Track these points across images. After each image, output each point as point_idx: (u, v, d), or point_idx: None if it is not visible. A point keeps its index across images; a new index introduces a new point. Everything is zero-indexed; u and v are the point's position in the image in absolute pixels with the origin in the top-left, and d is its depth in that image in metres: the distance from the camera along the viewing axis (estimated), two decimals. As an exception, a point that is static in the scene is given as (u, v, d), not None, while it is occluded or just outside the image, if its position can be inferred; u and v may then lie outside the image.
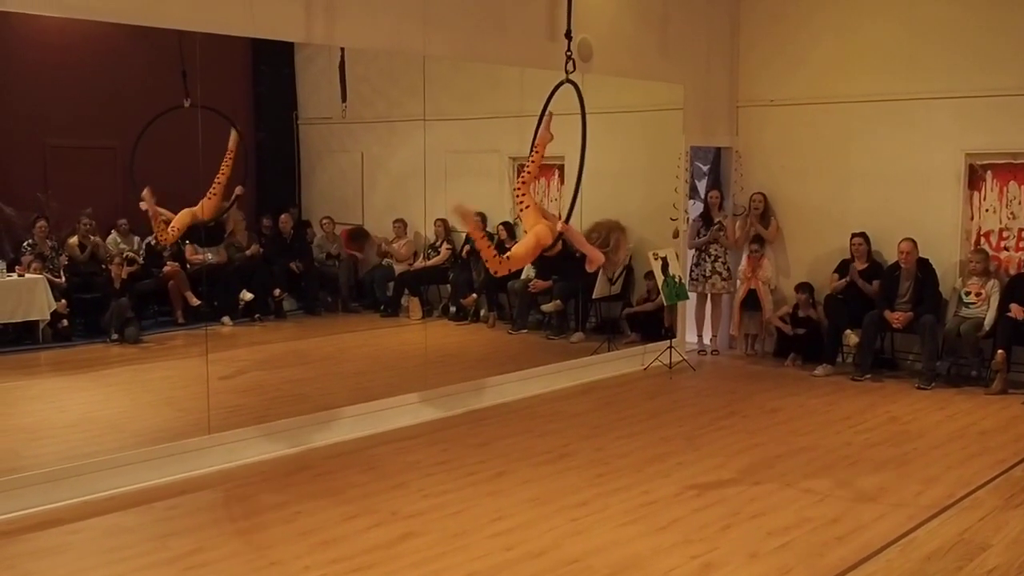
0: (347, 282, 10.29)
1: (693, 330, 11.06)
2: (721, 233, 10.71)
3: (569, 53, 6.18)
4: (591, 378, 9.48)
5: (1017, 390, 8.90)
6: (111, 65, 8.04)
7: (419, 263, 10.44)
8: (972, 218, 9.61)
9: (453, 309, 10.54)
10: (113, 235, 8.59)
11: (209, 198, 7.67)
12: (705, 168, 11.54)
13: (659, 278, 9.81)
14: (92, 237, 8.39)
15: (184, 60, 7.17)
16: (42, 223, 8.01)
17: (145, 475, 6.24)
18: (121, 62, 8.00)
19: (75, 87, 8.11)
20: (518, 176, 6.37)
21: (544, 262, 6.10)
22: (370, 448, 7.16)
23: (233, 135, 7.67)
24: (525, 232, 6.23)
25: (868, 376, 9.45)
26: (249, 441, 6.83)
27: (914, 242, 9.40)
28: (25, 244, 7.98)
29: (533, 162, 6.37)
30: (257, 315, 9.35)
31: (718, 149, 11.15)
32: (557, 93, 6.25)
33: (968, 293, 9.28)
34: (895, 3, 9.90)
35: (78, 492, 5.93)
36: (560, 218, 6.24)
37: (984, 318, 9.12)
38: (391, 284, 10.39)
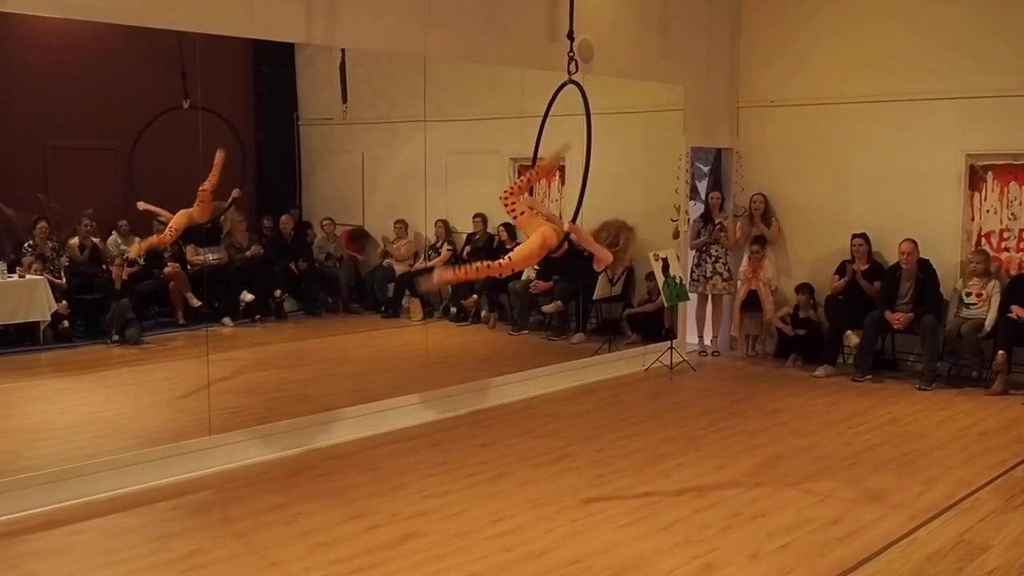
0: (348, 283, 10.29)
1: (694, 331, 11.07)
2: (722, 234, 10.71)
3: (571, 54, 6.16)
4: (592, 379, 9.48)
5: (1018, 391, 8.90)
6: (112, 66, 8.03)
7: (420, 264, 10.44)
8: (973, 219, 9.62)
9: (454, 310, 10.54)
10: (114, 236, 8.58)
11: (198, 204, 7.68)
12: (706, 169, 11.54)
13: (660, 279, 9.81)
14: (93, 238, 8.39)
15: (184, 61, 7.17)
16: (43, 224, 8.01)
17: (146, 476, 6.25)
18: (122, 63, 7.99)
19: (76, 88, 8.11)
20: (512, 187, 6.21)
21: (547, 262, 6.01)
22: (371, 449, 7.16)
23: (219, 154, 7.63)
24: (527, 237, 6.11)
25: (869, 377, 9.45)
26: (250, 442, 6.83)
27: (915, 243, 9.40)
28: (26, 245, 7.98)
29: (527, 180, 6.22)
30: (258, 316, 9.34)
31: (719, 150, 11.15)
32: (560, 94, 6.23)
33: (969, 294, 9.28)
34: (896, 4, 9.90)
35: (79, 493, 5.93)
36: (561, 218, 6.21)
37: (985, 319, 9.12)
38: (391, 285, 10.39)
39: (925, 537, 5.45)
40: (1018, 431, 7.73)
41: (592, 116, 6.03)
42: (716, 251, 10.75)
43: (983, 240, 9.54)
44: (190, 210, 7.70)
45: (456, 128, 10.15)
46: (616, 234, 6.19)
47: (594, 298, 10.51)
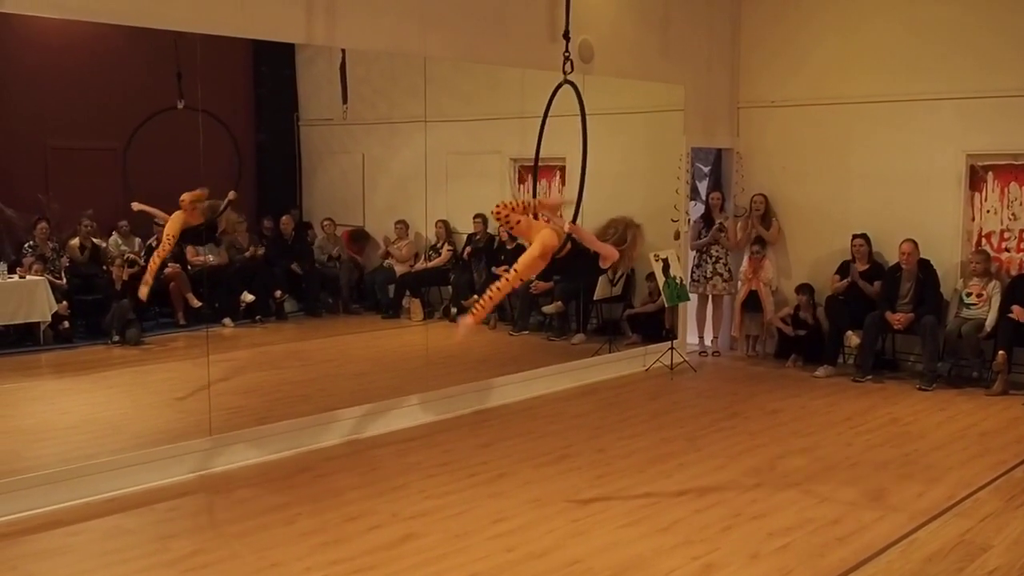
0: (348, 284, 10.29)
1: (694, 331, 11.07)
2: (722, 234, 10.71)
3: (567, 54, 6.16)
4: (592, 379, 9.48)
5: (1018, 391, 8.90)
6: (112, 66, 8.03)
7: (420, 264, 10.43)
8: (973, 219, 9.62)
9: (454, 311, 10.53)
10: (114, 236, 8.58)
11: (186, 212, 7.67)
12: (706, 169, 11.55)
13: (660, 279, 9.81)
14: (94, 239, 8.39)
15: (179, 61, 7.17)
16: (43, 225, 8.00)
17: (146, 477, 6.25)
18: (122, 63, 7.99)
19: (76, 88, 8.10)
20: (507, 203, 5.97)
21: (549, 262, 5.91)
22: (371, 449, 7.17)
23: (202, 192, 7.64)
24: (528, 244, 5.99)
25: (869, 377, 9.45)
26: (250, 443, 6.83)
27: (915, 243, 9.39)
28: (26, 246, 7.97)
29: (526, 206, 6.00)
30: (258, 317, 9.34)
31: (719, 150, 11.15)
32: (557, 95, 6.21)
33: (969, 294, 9.28)
34: (896, 4, 9.90)
35: (79, 494, 5.93)
36: (562, 217, 6.17)
37: (985, 319, 9.12)
38: (392, 286, 10.38)
39: (925, 537, 5.45)
40: (1018, 431, 7.73)
41: (593, 116, 6.03)
42: (716, 251, 10.76)
43: (983, 240, 9.54)
44: (182, 215, 7.69)
45: (456, 128, 10.15)
46: (623, 231, 6.08)
47: (595, 298, 10.51)
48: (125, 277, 8.31)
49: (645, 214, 10.32)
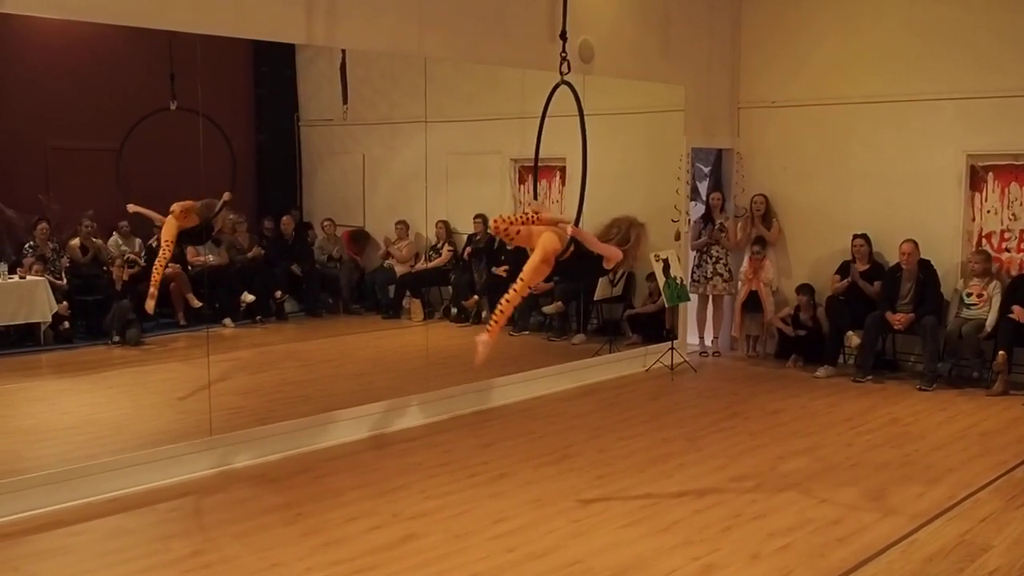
0: (348, 284, 10.29)
1: (695, 331, 11.07)
2: (722, 234, 10.72)
3: (564, 54, 6.15)
4: (593, 380, 9.49)
5: (1018, 391, 8.90)
6: (113, 67, 8.03)
7: (420, 265, 10.43)
8: (973, 219, 9.62)
9: (455, 311, 10.53)
10: (115, 237, 8.58)
11: (178, 218, 7.66)
12: (706, 169, 11.55)
13: (660, 279, 9.81)
14: (94, 239, 8.39)
15: (174, 62, 7.17)
16: (43, 225, 8.00)
17: (147, 477, 6.25)
18: (123, 64, 7.99)
19: (77, 89, 8.10)
20: (505, 217, 5.95)
21: (554, 266, 5.85)
22: (372, 450, 7.17)
23: (193, 204, 7.65)
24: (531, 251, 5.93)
25: (869, 377, 9.45)
26: (251, 443, 6.83)
27: (915, 243, 9.40)
28: (26, 246, 7.97)
29: (525, 219, 5.95)
30: (258, 317, 9.34)
31: (719, 150, 11.15)
32: (555, 95, 6.20)
33: (969, 294, 9.28)
34: (896, 4, 9.90)
35: (80, 494, 5.93)
36: (558, 216, 6.15)
37: (985, 319, 9.12)
38: (392, 286, 10.38)
39: (926, 538, 5.45)
40: (1019, 432, 7.73)
41: (593, 117, 6.02)
42: (717, 252, 10.76)
43: (984, 241, 9.54)
44: (175, 220, 7.68)
45: (457, 129, 10.15)
46: (627, 230, 6.05)
47: (595, 299, 10.51)
48: (125, 277, 8.31)
49: (645, 214, 10.27)
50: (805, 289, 10.16)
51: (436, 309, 10.67)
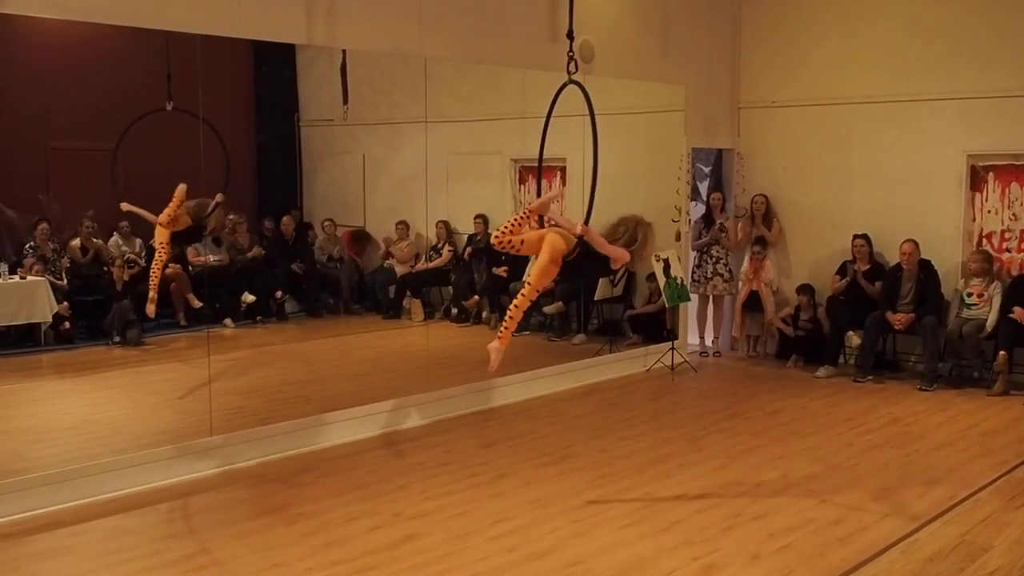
0: (348, 284, 10.29)
1: (695, 332, 11.07)
2: (723, 235, 10.72)
3: (571, 54, 6.12)
4: (593, 380, 9.49)
5: (1019, 391, 8.90)
6: (113, 67, 8.03)
7: (421, 265, 10.44)
8: (974, 219, 9.62)
9: (455, 311, 10.54)
10: (115, 237, 8.59)
11: (168, 225, 7.64)
12: (707, 170, 11.55)
13: (661, 280, 9.81)
14: (95, 240, 8.39)
15: (170, 62, 7.17)
16: (44, 225, 8.01)
17: (147, 477, 6.25)
18: (123, 64, 7.99)
19: (77, 89, 8.11)
20: (502, 228, 5.79)
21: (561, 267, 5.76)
22: (372, 450, 7.17)
23: (180, 188, 7.54)
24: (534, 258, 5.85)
25: (870, 378, 9.45)
26: (251, 443, 6.84)
27: (916, 243, 9.40)
28: (27, 246, 7.98)
29: (520, 220, 5.87)
30: (259, 317, 9.35)
31: (720, 151, 11.15)
32: (561, 95, 6.18)
33: (970, 294, 9.28)
34: (896, 4, 9.90)
35: (81, 494, 5.94)
36: (560, 217, 6.10)
37: (986, 319, 9.12)
38: (393, 287, 10.39)
39: (926, 538, 5.45)
40: (1019, 432, 7.72)
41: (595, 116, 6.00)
42: (717, 252, 10.76)
43: (984, 241, 9.54)
44: (166, 225, 7.65)
45: (457, 129, 10.15)
46: (634, 229, 5.99)
47: (595, 299, 10.51)
48: (126, 278, 8.32)
49: (646, 214, 10.28)
50: (805, 289, 10.16)
51: (436, 309, 10.67)
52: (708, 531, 5.52)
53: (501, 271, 10.24)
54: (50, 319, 7.85)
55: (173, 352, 8.68)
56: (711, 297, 10.98)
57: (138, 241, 8.65)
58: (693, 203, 11.00)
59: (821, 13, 10.38)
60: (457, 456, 6.97)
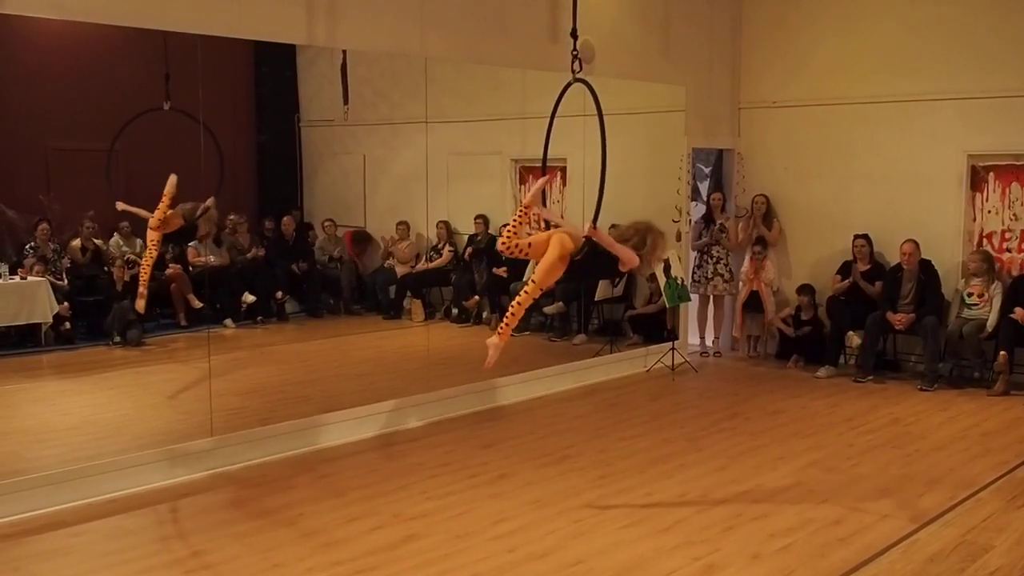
0: (349, 284, 10.29)
1: (695, 332, 11.07)
2: (723, 235, 10.71)
3: (575, 52, 6.09)
4: (593, 380, 9.48)
5: (1020, 391, 8.89)
6: (113, 68, 8.03)
7: (421, 265, 10.44)
8: (974, 219, 9.61)
9: (455, 311, 10.54)
10: (116, 237, 8.59)
11: (155, 228, 7.62)
12: (707, 170, 11.54)
13: (661, 280, 9.81)
14: (95, 240, 8.39)
15: (169, 62, 7.17)
16: (44, 226, 8.01)
17: (148, 478, 6.25)
18: (123, 64, 7.99)
19: (77, 89, 8.11)
20: (506, 233, 5.76)
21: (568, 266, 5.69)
22: (372, 450, 7.17)
23: (172, 179, 7.51)
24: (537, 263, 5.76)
25: (870, 378, 9.45)
26: (251, 443, 6.84)
27: (916, 243, 9.39)
28: (27, 247, 7.98)
29: (520, 218, 5.87)
30: (259, 317, 9.35)
31: (720, 151, 11.15)
32: (565, 95, 6.16)
33: (970, 295, 9.28)
34: (897, 4, 9.90)
35: (81, 495, 5.94)
36: (561, 218, 6.10)
37: (986, 320, 9.12)
38: (393, 287, 10.39)
39: (927, 538, 5.45)
40: (1020, 432, 7.72)
41: (593, 117, 5.96)
42: (717, 252, 10.76)
43: (985, 241, 9.53)
44: (156, 228, 7.63)
45: (458, 129, 10.16)
46: (644, 234, 5.93)
47: (596, 299, 10.52)
48: (126, 278, 8.32)
49: (646, 215, 10.25)
50: (806, 289, 10.16)
51: (437, 309, 10.67)
52: (709, 531, 5.52)
53: (501, 271, 10.24)
54: (50, 319, 7.85)
55: (173, 352, 8.68)
56: (711, 297, 10.98)
57: (138, 241, 8.64)
58: (693, 203, 11.00)
59: (821, 13, 10.38)
60: (457, 456, 6.97)
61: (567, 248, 5.60)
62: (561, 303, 10.40)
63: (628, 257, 5.71)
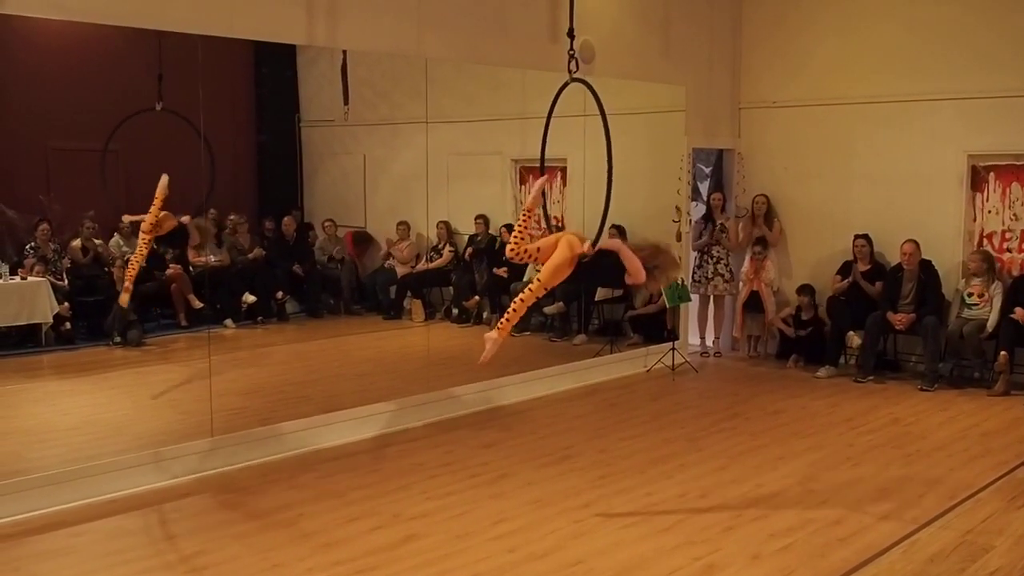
0: (349, 284, 10.30)
1: (696, 332, 11.07)
2: (723, 235, 10.71)
3: (572, 52, 6.09)
4: (594, 380, 9.48)
5: (1020, 391, 8.89)
6: (113, 68, 8.03)
7: (421, 265, 10.44)
8: (975, 219, 9.61)
9: (456, 311, 10.54)
10: (116, 238, 8.59)
11: (147, 232, 7.58)
12: (707, 170, 11.55)
13: (662, 280, 9.79)
14: (95, 240, 8.40)
15: (163, 63, 7.17)
16: (44, 226, 8.01)
17: (148, 478, 6.25)
18: (123, 65, 7.99)
19: (77, 90, 8.11)
20: (513, 239, 5.66)
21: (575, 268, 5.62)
22: (373, 450, 7.17)
23: (163, 180, 7.43)
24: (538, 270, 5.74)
25: (871, 378, 9.45)
26: (252, 443, 6.84)
27: (917, 243, 9.39)
28: (28, 247, 7.98)
29: (525, 222, 5.76)
30: (260, 318, 9.35)
31: (720, 151, 11.15)
32: (561, 95, 6.15)
33: (971, 295, 9.28)
34: (897, 4, 9.90)
35: (81, 495, 5.94)
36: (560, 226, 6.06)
37: (987, 320, 9.11)
38: (393, 287, 10.39)
39: (927, 538, 5.45)
40: (1020, 432, 7.72)
41: (594, 117, 5.92)
42: (718, 252, 10.76)
43: (985, 241, 9.53)
44: (148, 232, 7.60)
45: (458, 129, 10.16)
46: (655, 253, 5.87)
47: (596, 299, 10.52)
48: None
49: (646, 215, 10.41)
50: (806, 289, 10.16)
51: (437, 310, 10.68)
52: (709, 531, 5.52)
53: (502, 272, 10.24)
54: (51, 320, 7.86)
55: (173, 353, 8.69)
56: (712, 297, 10.98)
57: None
58: (694, 203, 11.01)
59: (821, 13, 10.37)
60: (458, 456, 6.97)
61: (575, 250, 5.58)
62: (561, 303, 10.41)
63: (636, 270, 5.67)
